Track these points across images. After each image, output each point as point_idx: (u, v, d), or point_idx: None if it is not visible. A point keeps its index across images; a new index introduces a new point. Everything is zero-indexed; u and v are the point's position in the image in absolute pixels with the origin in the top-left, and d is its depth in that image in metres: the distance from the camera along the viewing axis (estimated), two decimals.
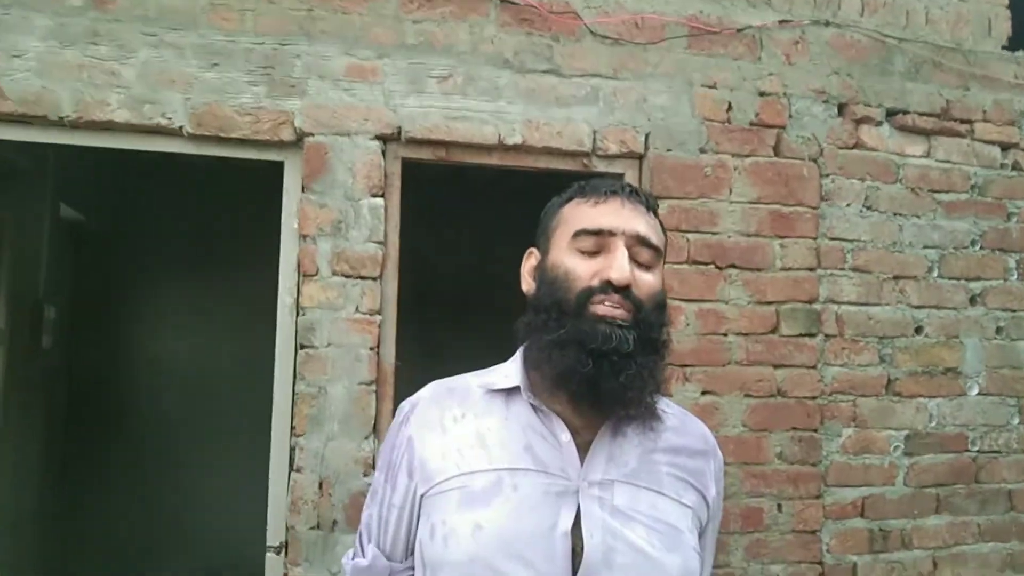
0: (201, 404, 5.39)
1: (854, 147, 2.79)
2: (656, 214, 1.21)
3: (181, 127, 2.34)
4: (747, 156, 2.70)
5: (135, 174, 5.41)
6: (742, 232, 2.67)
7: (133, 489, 5.41)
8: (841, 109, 2.80)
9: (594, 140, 2.58)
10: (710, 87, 2.69)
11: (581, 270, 1.13)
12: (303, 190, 2.40)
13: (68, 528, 5.15)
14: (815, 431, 2.67)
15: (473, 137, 2.49)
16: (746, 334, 2.65)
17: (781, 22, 2.76)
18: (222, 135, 2.36)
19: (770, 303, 2.68)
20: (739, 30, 2.72)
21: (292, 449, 2.35)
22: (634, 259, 1.13)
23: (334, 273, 2.38)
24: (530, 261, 1.24)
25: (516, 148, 2.53)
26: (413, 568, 1.19)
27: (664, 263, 1.25)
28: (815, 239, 2.73)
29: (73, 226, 5.12)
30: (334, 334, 2.36)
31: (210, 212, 5.42)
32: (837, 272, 2.74)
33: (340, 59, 2.45)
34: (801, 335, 2.69)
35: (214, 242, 5.43)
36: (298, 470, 2.32)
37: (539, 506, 1.09)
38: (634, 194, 1.18)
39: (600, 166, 2.61)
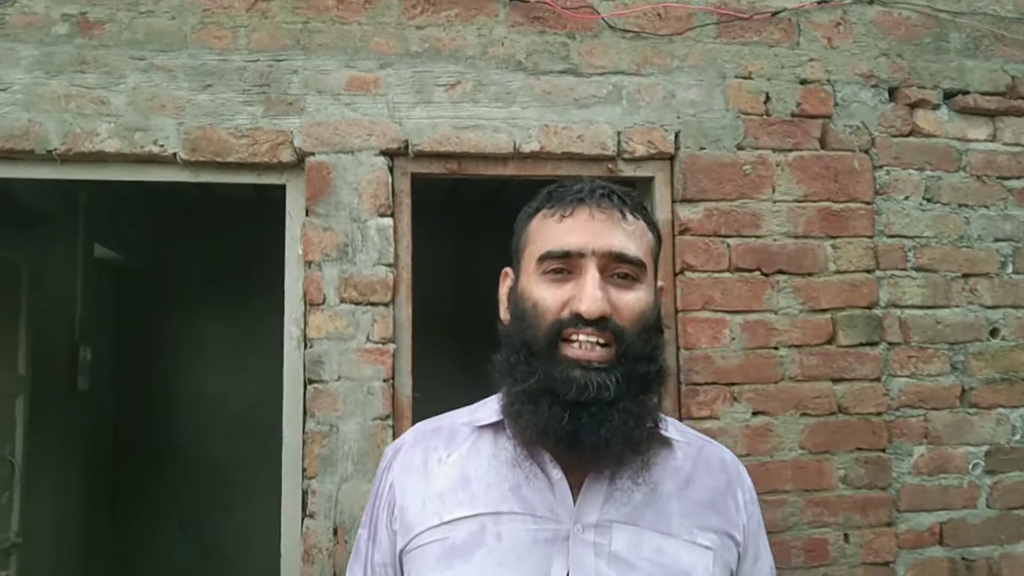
0: (245, 441, 5.30)
1: (909, 134, 2.53)
2: (640, 213, 1.05)
3: (175, 154, 2.21)
4: (790, 150, 2.45)
5: (170, 210, 5.41)
6: (789, 234, 2.43)
7: (181, 528, 5.34)
8: (892, 93, 2.54)
9: (619, 142, 2.37)
10: (744, 78, 2.46)
11: (550, 300, 0.99)
12: (307, 213, 2.25)
13: (116, 568, 5.09)
14: (883, 451, 2.39)
15: (486, 147, 2.30)
16: (799, 346, 2.40)
17: (820, 3, 2.52)
18: (218, 160, 2.22)
19: (825, 311, 2.42)
20: (774, 14, 2.48)
21: (304, 493, 2.17)
22: (610, 278, 0.99)
23: (342, 300, 2.21)
24: (506, 283, 1.10)
25: (533, 156, 2.34)
26: None
27: (655, 269, 1.06)
28: (871, 237, 2.46)
29: (110, 266, 5.11)
30: (344, 366, 2.19)
31: (247, 244, 5.36)
32: (898, 273, 2.47)
33: (340, 72, 2.29)
34: (861, 344, 2.42)
35: (255, 272, 5.35)
36: (311, 515, 2.14)
37: (525, 557, 0.97)
38: (606, 197, 1.02)
39: (627, 170, 2.39)
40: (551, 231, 1.01)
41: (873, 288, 2.45)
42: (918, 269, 2.49)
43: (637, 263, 1.00)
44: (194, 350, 5.66)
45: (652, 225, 1.07)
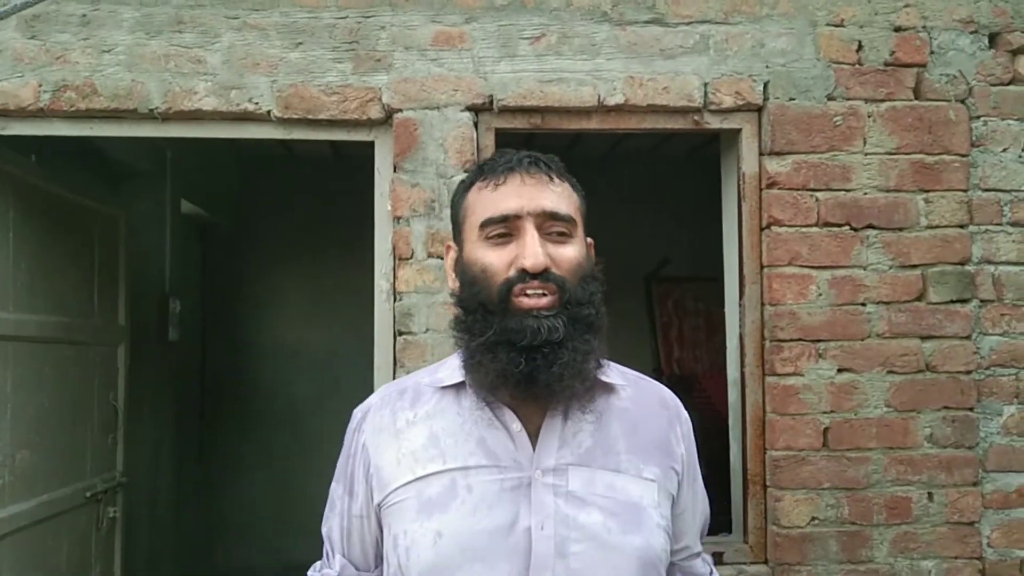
0: (323, 388, 5.49)
1: (1010, 83, 2.42)
2: (564, 177, 1.15)
3: (269, 111, 2.28)
4: (883, 101, 2.38)
5: (251, 167, 5.55)
6: (880, 187, 2.37)
7: (263, 468, 5.58)
8: (993, 40, 2.43)
9: (705, 93, 2.34)
10: (836, 25, 2.39)
11: (497, 263, 1.08)
12: (395, 169, 2.29)
13: (205, 508, 5.37)
14: (971, 410, 2.35)
15: (570, 100, 2.30)
16: (888, 303, 2.36)
17: None
18: (310, 117, 2.28)
19: (915, 267, 2.37)
20: None
21: None
22: (547, 235, 1.09)
23: (429, 255, 2.27)
24: (450, 255, 1.20)
25: (618, 109, 2.33)
26: None
27: (583, 225, 1.14)
28: (966, 191, 2.39)
29: (197, 221, 5.29)
30: (432, 319, 2.25)
31: (326, 199, 5.48)
32: (993, 228, 2.40)
33: (426, 27, 2.31)
34: (952, 301, 2.37)
35: (334, 228, 5.47)
36: None
37: (495, 505, 1.07)
38: (534, 164, 1.12)
39: (713, 122, 2.37)
40: (487, 200, 1.10)
41: (966, 244, 2.38)
42: (1014, 224, 2.41)
43: (568, 220, 1.10)
44: (275, 302, 5.85)
45: (576, 186, 1.17)
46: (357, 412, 1.22)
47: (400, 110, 2.28)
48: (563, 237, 1.10)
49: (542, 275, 1.06)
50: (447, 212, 2.23)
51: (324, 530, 1.24)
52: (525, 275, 1.05)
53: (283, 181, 5.58)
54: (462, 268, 1.13)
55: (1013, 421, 2.39)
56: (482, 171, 1.14)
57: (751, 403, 2.36)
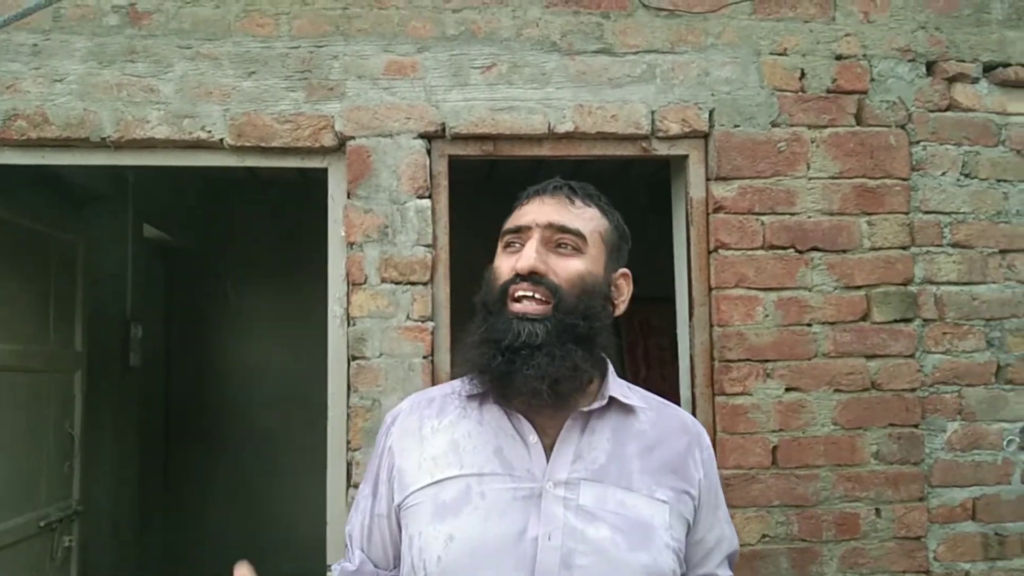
0: (289, 413, 5.46)
1: (947, 109, 2.51)
2: (591, 203, 1.21)
3: (222, 139, 2.29)
4: (825, 127, 2.46)
5: (216, 191, 5.54)
6: (824, 211, 2.44)
7: (229, 496, 5.53)
8: (930, 67, 2.52)
9: (652, 121, 2.39)
10: (779, 54, 2.46)
11: (503, 267, 1.16)
12: (348, 196, 2.32)
13: (171, 533, 5.31)
14: (916, 427, 2.41)
15: (521, 128, 2.35)
16: (833, 323, 2.41)
17: None
18: (263, 145, 2.30)
19: (859, 287, 2.43)
20: None
21: (348, 464, 2.27)
22: (554, 248, 1.15)
23: (383, 280, 2.29)
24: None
25: (568, 136, 2.38)
26: None
27: (605, 249, 1.19)
28: (907, 214, 2.46)
29: (160, 246, 5.26)
30: (386, 343, 2.27)
31: (292, 223, 5.47)
32: (934, 249, 2.47)
33: (379, 57, 2.35)
34: (896, 321, 2.43)
35: (298, 251, 5.47)
36: (355, 485, 2.24)
37: (507, 512, 1.10)
38: (559, 189, 1.20)
39: (661, 148, 2.42)
40: (512, 217, 1.21)
41: (908, 265, 2.45)
42: (954, 245, 2.48)
43: (576, 234, 1.15)
44: (240, 326, 5.82)
45: (609, 215, 1.22)
46: (388, 417, 1.27)
47: (353, 137, 2.31)
48: (569, 250, 1.15)
49: (533, 278, 1.11)
50: (400, 238, 2.28)
51: (347, 528, 1.27)
52: (517, 276, 1.12)
53: (248, 205, 5.57)
54: (486, 277, 1.21)
55: (956, 437, 2.45)
56: (518, 199, 1.24)
57: (701, 422, 2.39)
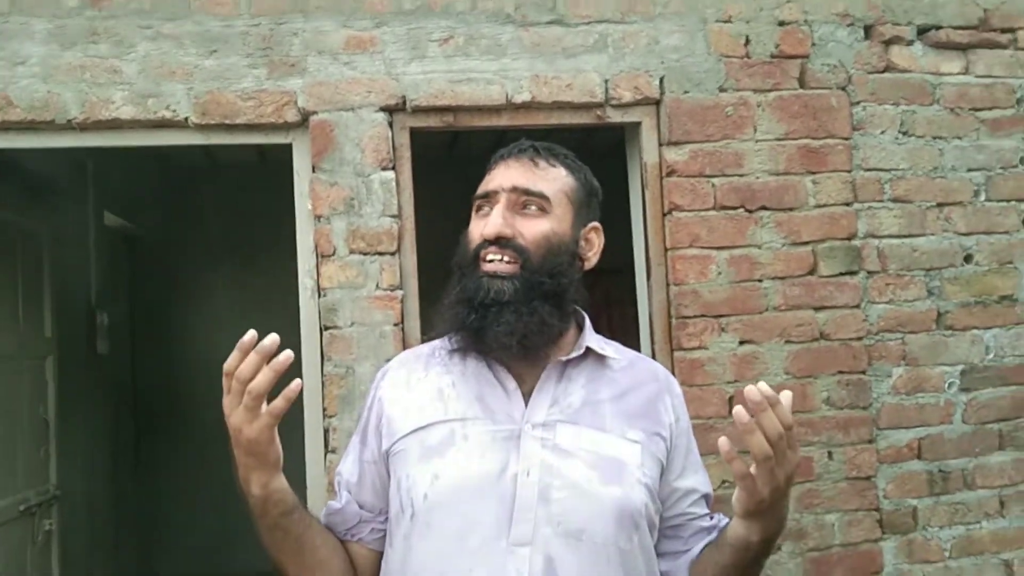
0: None
1: (885, 71, 2.64)
2: (557, 163, 1.26)
3: (186, 118, 2.34)
4: (770, 91, 2.57)
5: (175, 177, 5.52)
6: (771, 171, 2.55)
7: (203, 481, 5.55)
8: (868, 31, 2.64)
9: (606, 89, 2.48)
10: (725, 22, 2.56)
11: (473, 232, 1.24)
12: (313, 170, 2.38)
13: (144, 519, 5.33)
14: (863, 373, 2.56)
15: (479, 99, 2.43)
16: (782, 278, 2.54)
17: None
18: (227, 122, 2.35)
19: (806, 243, 2.56)
20: None
21: (326, 431, 2.34)
22: (520, 211, 1.21)
23: (351, 251, 2.36)
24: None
25: (525, 106, 2.46)
26: (385, 521, 1.25)
27: (573, 207, 1.25)
28: (849, 172, 2.59)
29: (122, 233, 5.24)
30: (356, 313, 2.35)
31: (252, 206, 5.47)
32: (875, 204, 2.61)
33: (338, 32, 2.40)
34: (841, 274, 2.57)
35: (260, 233, 5.47)
36: (333, 451, 2.32)
37: (488, 452, 1.17)
38: (523, 151, 1.26)
39: (615, 116, 2.52)
40: (482, 183, 1.27)
41: (852, 220, 2.58)
42: (894, 200, 2.62)
43: (540, 195, 1.22)
44: (204, 311, 5.82)
45: (576, 173, 1.28)
46: (379, 372, 1.35)
47: (316, 112, 2.37)
48: (535, 211, 1.21)
49: (499, 241, 1.18)
50: (367, 209, 2.35)
51: (336, 474, 1.33)
52: (485, 241, 1.19)
53: (208, 189, 5.56)
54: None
55: (901, 382, 2.60)
56: (490, 161, 1.30)
57: None
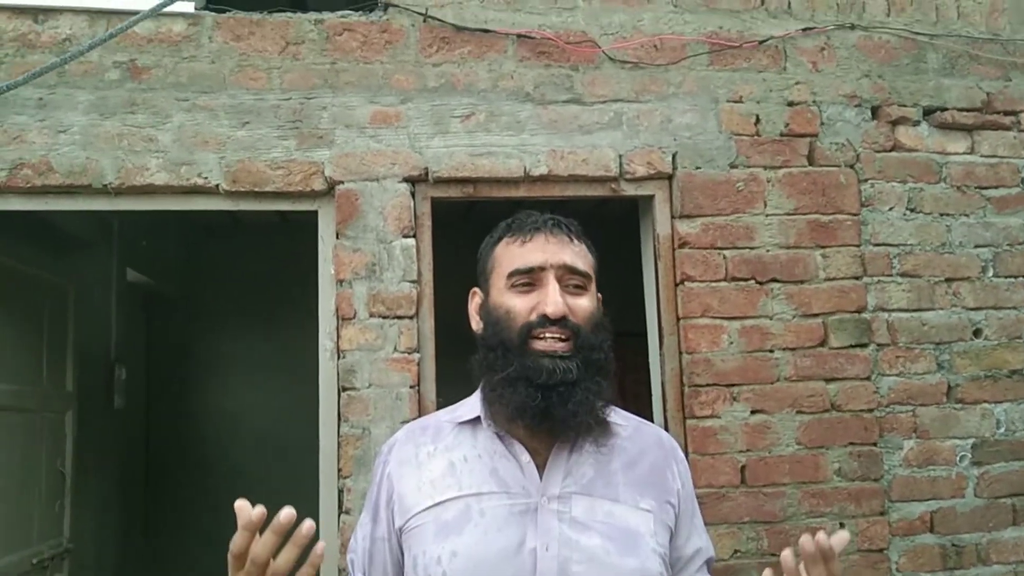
0: (269, 453, 5.51)
1: (892, 149, 2.72)
2: (582, 239, 1.29)
3: (217, 185, 2.43)
4: (780, 167, 2.65)
5: (197, 236, 5.65)
6: (781, 245, 2.62)
7: (210, 535, 5.53)
8: (875, 112, 2.73)
9: (620, 164, 2.57)
10: (736, 102, 2.66)
11: (520, 307, 1.22)
12: (337, 236, 2.46)
13: (150, 572, 5.30)
14: (874, 445, 2.57)
15: (499, 172, 2.52)
16: (794, 349, 2.58)
17: (805, 30, 2.72)
18: (256, 190, 2.45)
19: (816, 315, 2.61)
20: (761, 42, 2.69)
21: (340, 492, 2.38)
22: (566, 287, 1.22)
23: (371, 315, 2.42)
24: (475, 300, 1.33)
25: (543, 179, 2.55)
26: None
27: (595, 283, 1.29)
28: (859, 246, 2.65)
29: (142, 290, 5.35)
30: (374, 375, 2.40)
31: (271, 266, 5.59)
32: (884, 279, 2.66)
33: (365, 108, 2.51)
34: (852, 346, 2.61)
35: (277, 294, 5.58)
36: (347, 511, 2.34)
37: (505, 527, 1.17)
38: (557, 226, 1.27)
39: (629, 189, 2.60)
40: (515, 253, 1.25)
41: (861, 293, 2.63)
42: (903, 275, 2.67)
43: (585, 275, 1.25)
44: (220, 368, 5.90)
45: (591, 247, 1.31)
46: (384, 447, 1.34)
47: (342, 182, 2.47)
48: (579, 290, 1.24)
49: (560, 321, 1.18)
50: (387, 274, 2.42)
51: (348, 556, 1.32)
52: (545, 320, 1.18)
53: (228, 248, 5.69)
54: (487, 311, 1.26)
55: (913, 454, 2.61)
56: (510, 228, 1.29)
57: None
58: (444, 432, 1.29)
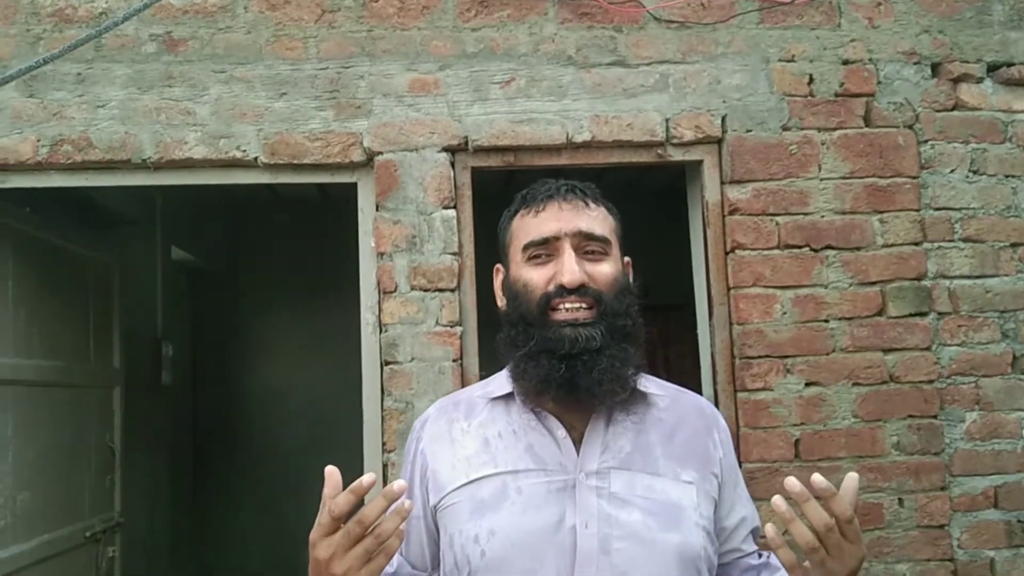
0: (314, 428, 5.55)
1: (953, 108, 2.58)
2: (599, 202, 1.25)
3: (256, 158, 2.40)
4: (835, 129, 2.54)
5: (239, 212, 5.67)
6: (836, 210, 2.51)
7: (257, 509, 5.62)
8: (935, 69, 2.60)
9: (667, 128, 2.48)
10: (788, 61, 2.55)
11: (537, 279, 1.19)
12: (377, 208, 2.42)
13: (201, 549, 5.40)
14: (935, 417, 2.47)
15: (540, 139, 2.45)
16: (850, 318, 2.48)
17: None
18: (295, 162, 2.41)
19: (874, 283, 2.50)
20: None
21: (384, 465, 2.35)
22: (584, 254, 1.19)
23: (412, 288, 2.38)
24: (498, 278, 1.31)
25: (585, 146, 2.47)
26: None
27: (619, 244, 1.25)
28: (918, 211, 2.53)
29: (187, 267, 5.40)
30: (416, 348, 2.36)
31: (313, 241, 5.59)
32: (946, 244, 2.54)
33: (403, 75, 2.45)
34: (911, 315, 2.50)
35: (320, 268, 5.58)
36: None
37: (543, 505, 1.15)
38: (570, 192, 1.23)
39: (676, 154, 2.51)
40: (530, 225, 1.22)
41: (921, 260, 2.52)
42: (965, 240, 2.55)
43: (602, 240, 1.21)
44: (265, 344, 5.94)
45: (612, 210, 1.27)
46: (417, 423, 1.32)
47: (381, 153, 2.42)
48: (598, 255, 1.20)
49: (579, 290, 1.15)
50: (428, 247, 2.37)
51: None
52: (563, 290, 1.15)
53: (270, 225, 5.70)
54: (508, 287, 1.24)
55: (975, 427, 2.50)
56: (524, 200, 1.25)
57: (724, 418, 2.45)
58: (477, 408, 1.27)
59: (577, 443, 1.18)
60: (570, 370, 1.13)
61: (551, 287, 1.17)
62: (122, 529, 3.34)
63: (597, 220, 1.21)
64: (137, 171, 2.42)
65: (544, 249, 1.19)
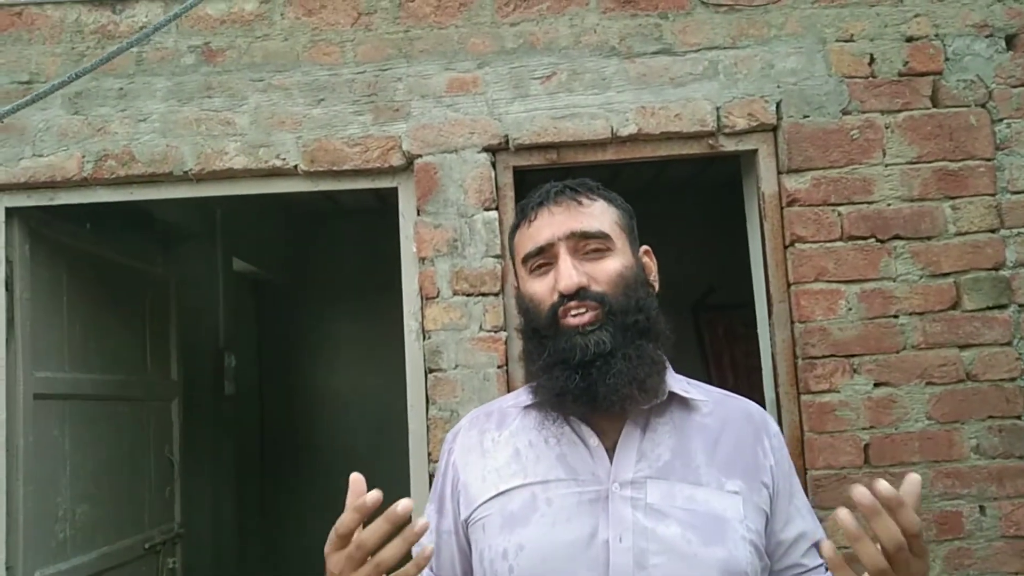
0: (379, 432, 5.56)
1: None
2: (596, 196, 1.19)
3: (295, 166, 2.38)
4: (899, 111, 2.37)
5: (300, 222, 5.73)
6: (904, 198, 2.35)
7: (328, 520, 5.64)
8: (1010, 41, 2.41)
9: (718, 117, 2.36)
10: (846, 40, 2.40)
11: (541, 291, 1.14)
12: (417, 212, 2.37)
13: (269, 559, 5.45)
14: (1018, 418, 2.28)
15: (583, 134, 2.35)
16: (921, 313, 2.32)
17: None
18: (335, 168, 2.38)
19: (947, 275, 2.33)
20: None
21: (431, 476, 2.29)
22: (584, 254, 1.14)
23: (455, 293, 2.32)
24: (515, 294, 1.26)
25: (632, 139, 2.37)
26: None
27: (627, 236, 1.18)
28: (994, 195, 2.35)
29: (250, 278, 5.47)
30: (460, 355, 2.30)
31: (373, 248, 5.60)
32: None
33: (441, 75, 2.40)
34: (989, 308, 2.32)
35: (382, 276, 5.58)
36: None
37: (574, 518, 1.09)
38: (560, 193, 1.18)
39: (728, 144, 2.39)
40: (526, 237, 1.18)
41: (998, 248, 2.34)
42: None
43: (601, 235, 1.14)
44: (328, 351, 5.98)
45: (613, 200, 1.21)
46: (449, 435, 1.28)
47: (420, 155, 2.36)
48: (600, 253, 1.14)
49: (579, 294, 1.10)
50: (470, 251, 2.31)
51: (413, 551, 1.26)
52: (564, 297, 1.10)
53: (333, 234, 5.75)
54: (520, 301, 1.20)
55: None
56: (522, 211, 1.21)
57: (788, 423, 2.33)
58: (509, 418, 1.22)
59: (611, 451, 1.12)
60: (585, 379, 1.08)
61: (555, 297, 1.12)
62: (183, 540, 3.37)
63: (593, 216, 1.15)
64: (179, 183, 2.42)
65: (542, 258, 1.15)
